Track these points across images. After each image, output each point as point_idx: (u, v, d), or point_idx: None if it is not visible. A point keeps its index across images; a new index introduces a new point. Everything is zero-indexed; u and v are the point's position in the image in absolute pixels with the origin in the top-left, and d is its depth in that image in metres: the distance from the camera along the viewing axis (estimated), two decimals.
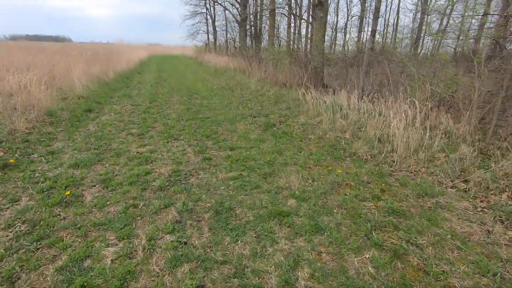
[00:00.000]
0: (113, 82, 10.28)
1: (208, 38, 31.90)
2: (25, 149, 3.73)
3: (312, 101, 6.14)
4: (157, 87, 9.69)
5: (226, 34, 27.47)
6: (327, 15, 9.10)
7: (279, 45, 17.36)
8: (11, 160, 3.21)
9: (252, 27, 20.83)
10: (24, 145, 3.85)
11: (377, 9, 7.57)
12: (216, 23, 28.93)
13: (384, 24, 22.39)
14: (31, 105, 5.43)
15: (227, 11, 24.89)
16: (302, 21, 19.86)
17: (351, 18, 25.23)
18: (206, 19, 31.08)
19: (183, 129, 5.00)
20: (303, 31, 20.63)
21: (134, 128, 5.02)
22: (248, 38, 22.48)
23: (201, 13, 30.77)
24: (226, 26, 27.31)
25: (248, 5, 22.37)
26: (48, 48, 20.17)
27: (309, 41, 17.51)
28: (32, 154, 3.64)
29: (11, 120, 4.34)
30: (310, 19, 14.48)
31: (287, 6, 18.20)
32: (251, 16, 20.88)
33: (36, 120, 4.80)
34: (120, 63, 15.44)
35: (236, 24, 24.52)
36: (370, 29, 9.80)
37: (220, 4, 24.27)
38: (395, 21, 22.55)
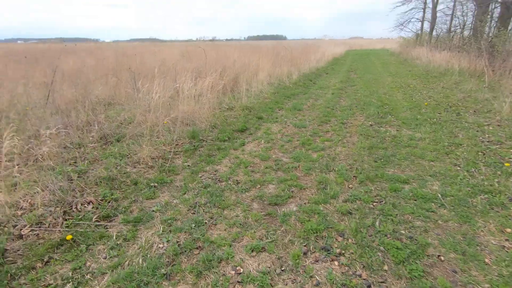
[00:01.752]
0: (293, 86, 9.05)
1: (422, 27, 25.64)
2: (118, 205, 2.68)
3: None
4: (339, 97, 7.47)
5: (451, 20, 20.59)
6: None
7: None
8: (68, 237, 2.13)
9: (502, 5, 13.77)
10: (124, 194, 2.85)
11: None
12: (439, 7, 22.37)
13: None
14: (182, 121, 4.79)
15: None
16: None
17: None
18: (424, 3, 24.87)
19: (349, 213, 2.55)
20: None
21: (273, 183, 3.12)
22: (489, 23, 15.39)
23: None
24: (454, 8, 20.40)
25: None
26: (260, 46, 22.67)
27: None
28: (115, 217, 2.52)
29: (140, 146, 3.60)
30: None
31: None
32: None
33: (173, 144, 3.94)
34: (310, 61, 14.40)
35: (472, 5, 17.51)
36: None
37: None
38: None
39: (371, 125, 5.04)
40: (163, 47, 21.38)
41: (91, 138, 3.96)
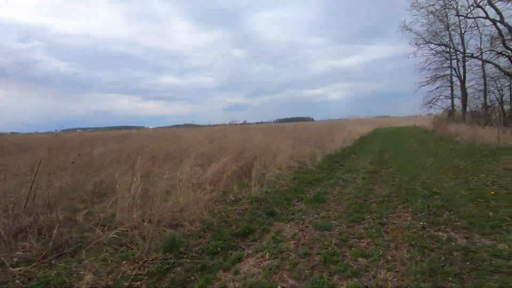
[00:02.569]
0: (316, 169, 7.98)
1: (452, 105, 24.81)
2: None
3: None
4: (373, 183, 6.17)
5: (485, 96, 19.63)
6: None
7: None
8: None
9: None
10: None
11: None
12: (467, 84, 21.84)
13: None
14: (173, 221, 3.77)
15: (488, 65, 17.84)
16: None
17: None
18: (451, 82, 24.64)
19: None
20: None
21: None
22: None
23: (443, 76, 25.00)
24: (485, 84, 19.70)
25: None
26: (285, 128, 22.83)
27: None
28: None
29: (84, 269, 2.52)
30: None
31: None
32: None
33: (140, 261, 2.82)
34: (334, 141, 13.59)
35: (506, 80, 16.68)
36: None
37: (478, 58, 17.88)
38: None
39: (423, 227, 3.61)
40: (194, 131, 22.34)
41: (37, 250, 2.99)
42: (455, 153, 9.44)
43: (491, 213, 3.87)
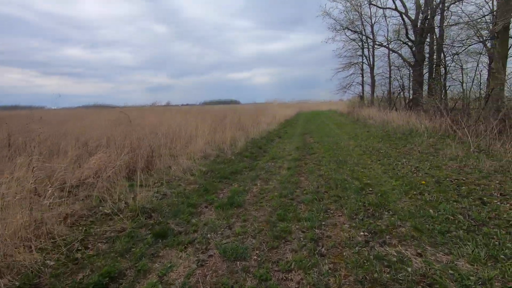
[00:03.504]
0: (236, 158, 6.77)
1: (363, 90, 27.08)
2: None
3: None
4: (299, 173, 5.28)
5: (390, 83, 21.70)
6: None
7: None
8: None
9: (440, 68, 14.25)
10: None
11: None
12: (376, 71, 23.86)
13: None
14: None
15: (394, 54, 19.51)
16: None
17: None
18: (362, 69, 26.70)
19: None
20: None
21: None
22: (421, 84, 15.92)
23: (356, 63, 26.87)
24: (390, 72, 21.72)
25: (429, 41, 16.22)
26: (210, 110, 21.05)
27: None
28: None
29: None
30: None
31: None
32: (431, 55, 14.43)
33: None
34: (260, 123, 12.72)
35: (407, 69, 18.52)
36: None
37: (385, 46, 19.29)
38: None
39: (366, 241, 2.71)
40: (105, 112, 18.46)
41: None
42: (372, 136, 9.53)
43: (431, 211, 3.25)
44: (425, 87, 15.85)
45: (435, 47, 15.02)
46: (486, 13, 11.19)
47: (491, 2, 11.28)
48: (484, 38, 11.13)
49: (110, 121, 10.99)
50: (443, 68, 13.71)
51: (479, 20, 12.84)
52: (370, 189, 4.16)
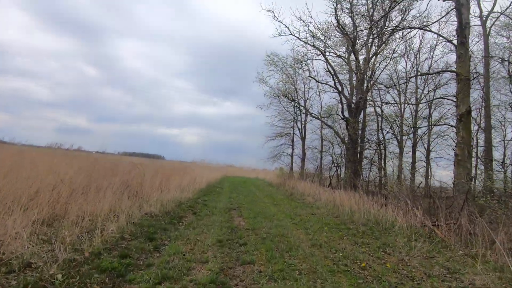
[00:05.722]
0: (133, 240, 2.94)
1: (292, 162, 26.26)
2: None
3: None
4: None
5: (321, 159, 21.14)
6: None
7: None
8: None
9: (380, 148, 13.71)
10: None
11: None
12: (307, 144, 23.46)
13: None
14: None
15: (326, 130, 19.33)
16: None
17: None
18: (292, 141, 26.31)
19: None
20: None
21: None
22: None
23: (286, 134, 26.48)
24: (322, 147, 21.36)
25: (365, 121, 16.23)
26: (118, 161, 16.11)
27: None
28: None
29: None
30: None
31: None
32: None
33: None
34: (170, 190, 8.93)
35: (341, 146, 18.12)
36: None
37: (319, 119, 18.82)
38: None
39: None
40: None
41: None
42: (325, 225, 6.83)
43: None
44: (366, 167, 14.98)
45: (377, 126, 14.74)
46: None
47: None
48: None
49: None
50: (383, 150, 13.03)
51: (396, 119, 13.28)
52: None
